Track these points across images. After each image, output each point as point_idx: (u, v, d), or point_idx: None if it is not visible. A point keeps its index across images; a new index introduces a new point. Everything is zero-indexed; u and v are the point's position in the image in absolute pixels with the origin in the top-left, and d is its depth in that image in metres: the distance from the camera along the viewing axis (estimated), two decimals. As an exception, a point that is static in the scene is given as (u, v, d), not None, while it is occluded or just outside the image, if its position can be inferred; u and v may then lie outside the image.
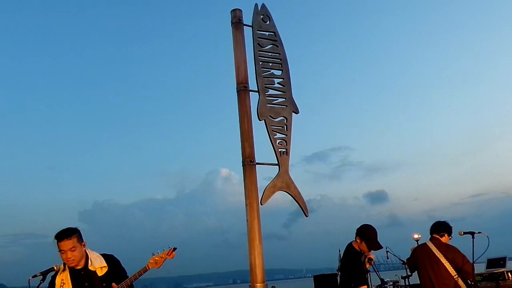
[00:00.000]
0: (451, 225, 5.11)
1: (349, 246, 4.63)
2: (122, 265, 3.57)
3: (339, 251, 6.06)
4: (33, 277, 3.20)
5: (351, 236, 4.87)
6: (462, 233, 4.75)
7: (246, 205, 7.70)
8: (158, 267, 3.38)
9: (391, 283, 7.97)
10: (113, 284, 3.29)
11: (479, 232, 4.66)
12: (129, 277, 3.36)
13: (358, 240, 4.54)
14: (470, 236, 4.66)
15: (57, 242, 3.34)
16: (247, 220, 7.63)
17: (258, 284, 7.25)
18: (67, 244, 3.31)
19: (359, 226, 4.61)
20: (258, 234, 7.56)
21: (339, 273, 4.97)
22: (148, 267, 3.37)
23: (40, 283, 3.23)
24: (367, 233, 4.53)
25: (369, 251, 4.52)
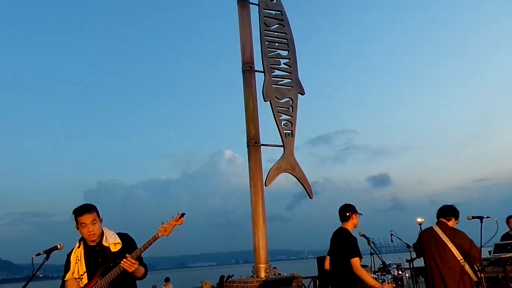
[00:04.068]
0: (458, 209, 5.05)
1: (344, 229, 4.89)
2: (137, 244, 3.52)
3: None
4: (36, 255, 3.19)
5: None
6: (471, 217, 4.70)
7: (251, 186, 7.76)
8: (168, 235, 3.30)
9: (395, 266, 7.95)
10: (126, 255, 3.27)
11: (487, 217, 4.61)
12: (139, 247, 3.32)
13: (354, 217, 4.91)
14: (478, 220, 4.61)
15: (78, 216, 3.33)
16: (251, 202, 7.70)
17: (261, 265, 7.35)
18: (88, 217, 3.32)
19: (345, 209, 4.95)
20: (262, 216, 7.63)
21: (331, 255, 5.09)
22: (157, 235, 3.30)
23: (44, 261, 3.21)
24: (354, 207, 4.99)
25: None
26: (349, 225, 4.89)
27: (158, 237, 3.30)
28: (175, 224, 3.32)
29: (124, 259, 3.21)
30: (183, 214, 3.35)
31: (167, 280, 13.55)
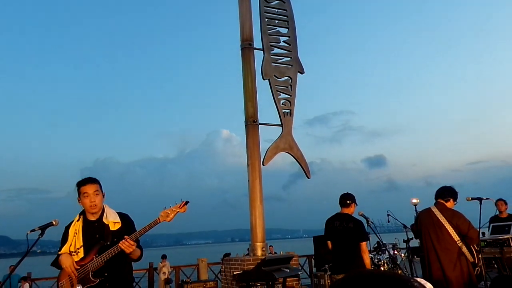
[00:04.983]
0: (456, 190, 5.05)
1: (349, 215, 5.38)
2: (135, 227, 3.55)
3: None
4: (31, 231, 3.18)
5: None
6: (470, 198, 4.73)
7: (248, 165, 7.73)
8: (169, 221, 3.29)
9: (390, 246, 8.05)
10: (125, 236, 3.28)
11: (487, 198, 4.64)
12: (139, 229, 3.32)
13: (353, 206, 5.43)
14: (473, 202, 4.62)
15: (81, 186, 3.36)
16: (248, 181, 7.68)
17: (258, 243, 7.38)
18: (91, 187, 3.35)
19: (346, 197, 5.43)
20: (260, 195, 7.62)
21: (334, 239, 5.43)
22: (159, 220, 3.30)
23: (39, 237, 3.20)
24: (355, 197, 5.49)
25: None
26: (347, 212, 5.39)
27: (159, 222, 3.29)
28: (178, 212, 3.31)
29: (122, 240, 3.21)
30: (187, 202, 3.34)
31: (163, 257, 13.66)
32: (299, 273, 6.49)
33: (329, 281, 7.33)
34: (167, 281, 13.15)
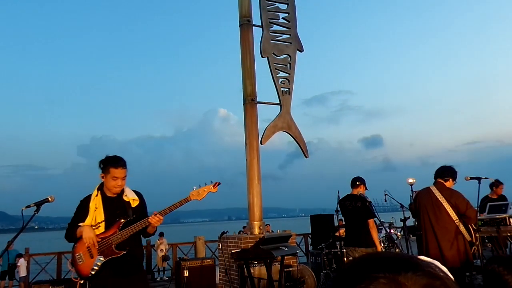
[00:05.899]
0: (456, 170, 5.04)
1: (355, 194, 5.90)
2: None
3: (338, 192, 6.16)
4: (26, 207, 3.16)
5: (344, 180, 6.31)
6: (469, 178, 4.74)
7: (246, 144, 7.67)
8: (200, 199, 3.40)
9: (387, 224, 8.12)
10: (154, 212, 3.40)
11: (486, 178, 4.67)
12: (169, 205, 3.41)
13: (362, 187, 5.95)
14: (472, 181, 4.62)
15: (113, 167, 3.39)
16: (246, 160, 7.63)
17: (255, 222, 7.40)
18: (122, 172, 3.42)
19: (356, 179, 5.98)
20: (257, 174, 7.60)
21: (345, 217, 6.12)
22: (189, 198, 3.41)
23: (34, 213, 3.19)
24: (365, 180, 6.04)
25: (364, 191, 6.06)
26: (356, 193, 5.89)
27: (190, 200, 3.41)
28: (209, 191, 3.44)
29: (152, 216, 3.35)
30: (219, 183, 3.46)
31: (161, 234, 13.73)
32: (297, 251, 6.54)
33: (325, 258, 7.41)
34: (165, 258, 13.27)
